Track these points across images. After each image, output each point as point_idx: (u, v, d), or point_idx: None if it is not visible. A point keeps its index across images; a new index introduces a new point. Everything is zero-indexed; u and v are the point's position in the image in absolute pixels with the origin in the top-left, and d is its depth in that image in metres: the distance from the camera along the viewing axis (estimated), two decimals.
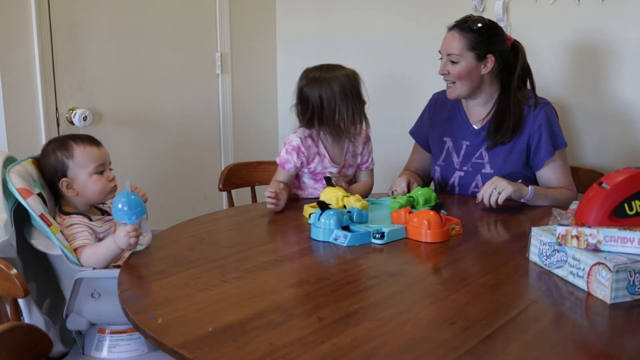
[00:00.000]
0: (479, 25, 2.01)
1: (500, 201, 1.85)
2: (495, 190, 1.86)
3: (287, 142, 2.04)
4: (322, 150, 2.05)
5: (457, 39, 2.01)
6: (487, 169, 2.07)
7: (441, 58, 2.06)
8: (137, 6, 2.59)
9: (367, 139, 2.14)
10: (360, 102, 2.04)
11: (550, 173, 2.03)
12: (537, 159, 2.03)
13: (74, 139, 1.77)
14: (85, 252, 1.65)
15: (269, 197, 1.88)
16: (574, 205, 1.49)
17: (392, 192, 1.99)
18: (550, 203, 1.93)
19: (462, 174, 2.10)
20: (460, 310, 1.20)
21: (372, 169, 2.17)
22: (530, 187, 1.90)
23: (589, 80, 2.35)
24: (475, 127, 2.11)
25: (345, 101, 1.99)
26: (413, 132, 2.30)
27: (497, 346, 1.06)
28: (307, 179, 2.09)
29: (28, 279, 1.63)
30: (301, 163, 2.02)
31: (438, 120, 2.20)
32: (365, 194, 2.05)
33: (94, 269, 1.63)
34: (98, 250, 1.64)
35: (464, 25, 2.01)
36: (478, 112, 2.12)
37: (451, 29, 2.04)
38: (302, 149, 2.01)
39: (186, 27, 2.79)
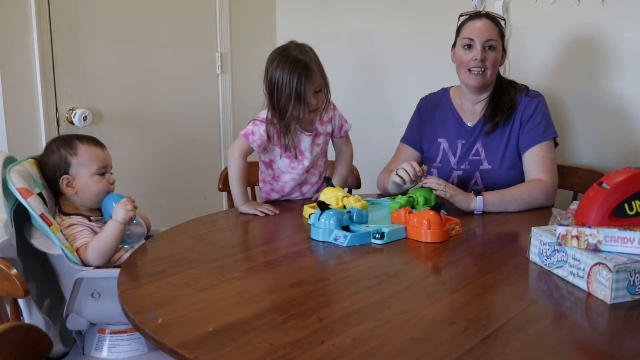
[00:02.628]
0: (502, 18, 2.07)
1: (439, 191, 1.84)
2: (444, 187, 1.84)
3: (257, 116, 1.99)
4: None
5: (493, 26, 2.01)
6: (485, 165, 2.06)
7: (469, 45, 2.00)
8: (137, 6, 2.59)
9: (334, 108, 2.07)
10: (299, 103, 1.89)
11: (532, 159, 2.00)
12: (524, 143, 2.02)
13: (79, 138, 1.79)
14: (91, 244, 1.67)
15: (267, 213, 1.89)
16: (574, 205, 1.49)
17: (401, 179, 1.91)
18: (517, 204, 1.89)
19: (460, 172, 2.09)
20: (460, 310, 1.20)
21: (351, 145, 2.15)
22: (478, 197, 1.87)
23: (588, 80, 2.35)
24: (470, 125, 2.10)
25: (284, 97, 1.88)
26: (406, 139, 2.23)
27: (497, 346, 1.06)
28: (280, 162, 2.04)
29: (28, 279, 1.63)
30: (268, 136, 1.96)
31: (430, 122, 2.17)
32: (350, 165, 2.15)
33: (96, 268, 1.64)
34: (102, 237, 1.66)
35: (491, 16, 2.04)
36: (473, 109, 2.11)
37: (479, 17, 2.02)
38: (274, 120, 1.95)
39: (186, 27, 2.79)
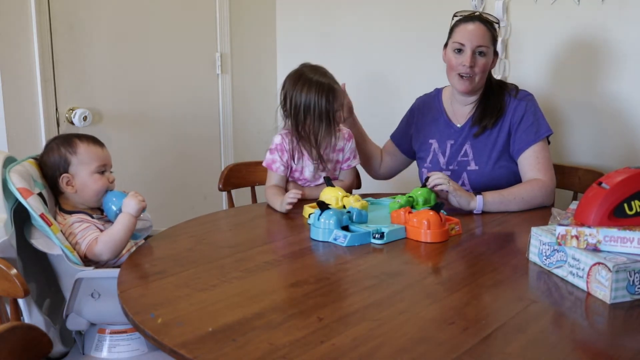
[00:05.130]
0: (496, 21, 2.04)
1: (437, 187, 1.83)
2: (448, 182, 1.83)
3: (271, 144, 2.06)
4: (302, 146, 2.04)
5: (485, 31, 1.99)
6: (473, 166, 2.06)
7: (459, 49, 1.99)
8: (137, 6, 2.60)
9: (350, 137, 2.12)
10: (329, 122, 1.98)
11: (528, 161, 2.00)
12: (517, 146, 2.01)
13: (79, 137, 1.79)
14: (102, 238, 1.67)
15: (292, 201, 1.88)
16: (573, 205, 1.49)
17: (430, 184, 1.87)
18: (516, 204, 1.89)
19: (448, 173, 2.08)
20: (459, 310, 1.20)
21: (355, 167, 2.18)
22: (478, 196, 1.87)
23: (588, 80, 2.35)
24: (458, 125, 2.10)
25: (314, 118, 1.96)
26: (395, 137, 2.26)
27: (496, 346, 1.06)
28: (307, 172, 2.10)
29: (28, 279, 1.63)
30: (287, 160, 2.03)
31: (423, 123, 2.18)
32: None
33: (96, 267, 1.64)
34: (114, 230, 1.66)
35: (484, 19, 2.02)
36: (462, 110, 2.11)
37: (472, 20, 2.00)
38: (285, 145, 2.02)
39: (186, 27, 2.79)
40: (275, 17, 3.20)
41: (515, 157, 2.03)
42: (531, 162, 1.99)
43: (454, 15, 2.08)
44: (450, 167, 2.09)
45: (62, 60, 2.36)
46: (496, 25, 2.04)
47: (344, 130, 2.12)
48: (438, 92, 2.21)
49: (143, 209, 1.70)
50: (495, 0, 2.47)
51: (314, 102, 1.95)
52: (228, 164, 2.67)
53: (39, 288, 1.75)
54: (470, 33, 1.98)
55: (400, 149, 2.28)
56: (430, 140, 2.15)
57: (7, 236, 1.57)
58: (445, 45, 2.08)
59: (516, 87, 2.09)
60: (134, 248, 1.70)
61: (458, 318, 1.16)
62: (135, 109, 2.64)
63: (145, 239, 1.78)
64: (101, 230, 1.72)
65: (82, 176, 1.75)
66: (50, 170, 1.76)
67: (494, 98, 2.06)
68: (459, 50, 1.99)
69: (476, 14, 2.05)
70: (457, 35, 2.01)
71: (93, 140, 1.80)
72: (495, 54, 2.05)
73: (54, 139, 1.82)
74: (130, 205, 1.68)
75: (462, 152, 2.08)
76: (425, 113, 2.19)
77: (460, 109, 2.12)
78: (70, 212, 1.75)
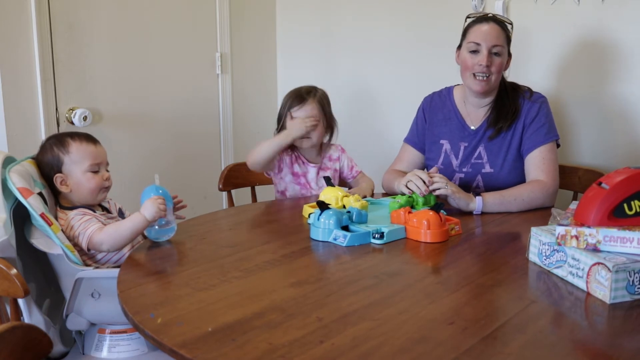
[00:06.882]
0: (509, 21, 2.04)
1: (437, 192, 1.84)
2: (446, 185, 1.83)
3: None
4: (298, 153, 2.23)
5: (500, 31, 1.99)
6: (487, 169, 2.06)
7: (474, 50, 1.99)
8: (137, 6, 2.60)
9: (343, 150, 2.29)
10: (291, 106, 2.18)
11: (533, 161, 2.00)
12: (526, 146, 2.02)
13: (72, 136, 1.78)
14: (108, 229, 1.65)
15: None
16: (573, 205, 1.49)
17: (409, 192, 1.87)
18: (516, 205, 1.90)
19: (462, 175, 2.08)
20: (459, 310, 1.20)
21: (362, 172, 2.28)
22: (477, 197, 1.87)
23: (589, 80, 2.35)
24: (473, 128, 2.10)
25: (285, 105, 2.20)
26: (409, 139, 2.22)
27: (496, 346, 1.06)
28: (291, 189, 2.22)
29: (28, 279, 1.63)
30: (280, 160, 2.20)
31: (433, 122, 2.16)
32: (370, 191, 2.16)
33: (96, 267, 1.64)
34: (122, 226, 1.65)
35: (498, 19, 2.02)
36: (476, 112, 2.10)
37: (486, 20, 2.00)
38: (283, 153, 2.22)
39: (186, 27, 2.79)
40: (275, 17, 3.20)
41: (523, 157, 2.04)
42: (536, 163, 2.00)
43: (467, 17, 2.08)
44: (464, 170, 2.08)
45: (62, 60, 2.37)
46: (509, 26, 2.04)
47: (337, 144, 2.29)
48: (449, 91, 2.19)
49: (159, 218, 1.62)
50: (495, 0, 2.47)
51: (284, 102, 2.20)
52: (228, 164, 2.67)
53: (39, 288, 1.75)
54: (485, 33, 1.98)
55: (417, 149, 2.20)
56: (442, 141, 2.13)
57: (7, 236, 1.58)
58: (459, 47, 2.07)
59: (530, 89, 2.09)
60: (128, 253, 1.69)
61: (458, 318, 1.16)
62: (135, 109, 2.64)
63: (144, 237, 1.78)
64: (104, 225, 1.71)
65: (75, 175, 1.74)
66: (46, 170, 1.76)
67: (509, 100, 2.05)
68: (475, 51, 1.99)
69: (489, 15, 2.05)
70: (472, 36, 2.00)
71: (86, 138, 1.79)
72: (509, 54, 2.04)
73: (48, 138, 1.81)
74: (148, 209, 1.61)
75: (476, 154, 2.08)
76: (436, 111, 2.17)
77: (474, 111, 2.11)
78: (70, 208, 1.75)
